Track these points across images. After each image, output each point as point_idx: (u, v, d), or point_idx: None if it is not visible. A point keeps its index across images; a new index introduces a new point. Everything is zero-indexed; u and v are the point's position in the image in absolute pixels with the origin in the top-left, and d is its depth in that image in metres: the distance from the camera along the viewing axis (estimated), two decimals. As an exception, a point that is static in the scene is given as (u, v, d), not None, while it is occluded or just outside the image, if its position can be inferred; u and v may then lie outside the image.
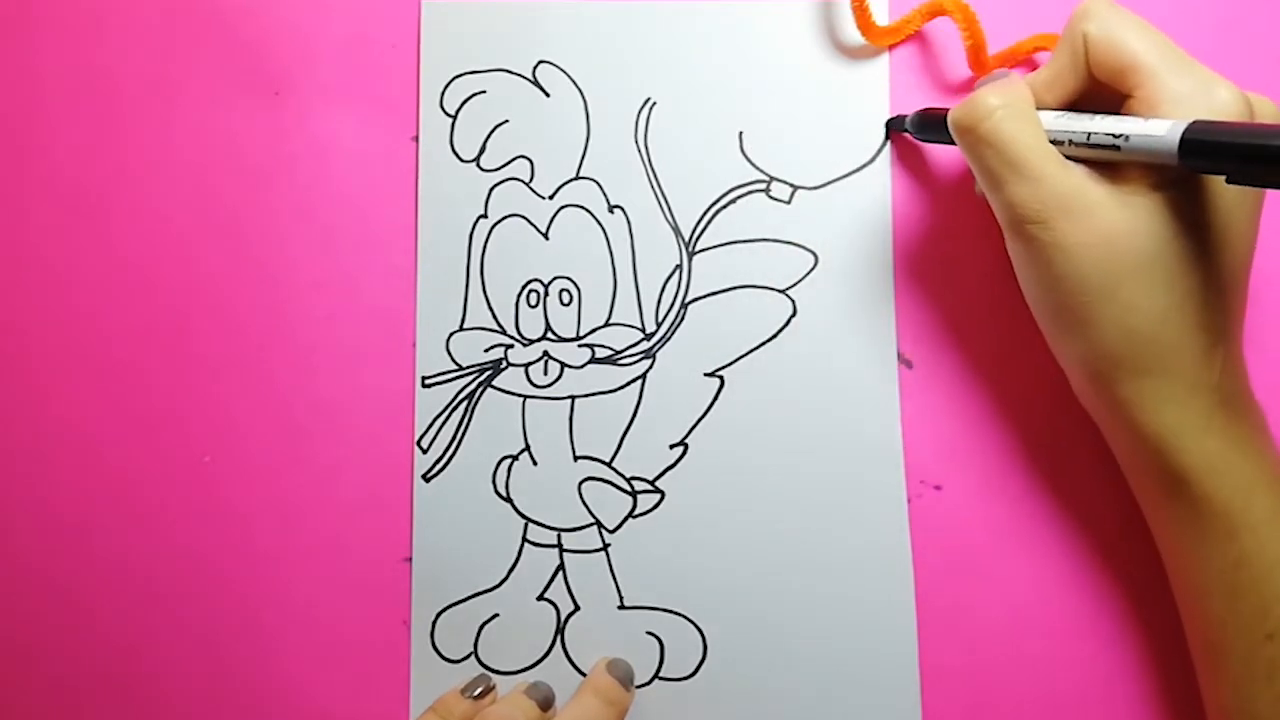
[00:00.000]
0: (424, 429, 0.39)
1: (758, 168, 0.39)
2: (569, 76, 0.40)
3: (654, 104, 0.40)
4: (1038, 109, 0.33)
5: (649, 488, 0.38)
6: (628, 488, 0.38)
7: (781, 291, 0.39)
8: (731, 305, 0.39)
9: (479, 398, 0.39)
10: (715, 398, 0.39)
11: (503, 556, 0.38)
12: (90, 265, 0.40)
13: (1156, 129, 0.29)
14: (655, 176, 0.40)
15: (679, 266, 0.39)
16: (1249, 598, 0.31)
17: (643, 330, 0.39)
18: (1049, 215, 0.31)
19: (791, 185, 0.39)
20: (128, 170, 0.40)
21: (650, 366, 0.39)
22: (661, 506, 0.38)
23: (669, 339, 0.39)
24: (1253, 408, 0.33)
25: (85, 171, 0.40)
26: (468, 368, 0.39)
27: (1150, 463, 0.32)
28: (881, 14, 0.39)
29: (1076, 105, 0.34)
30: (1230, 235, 0.31)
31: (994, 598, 0.37)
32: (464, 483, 0.38)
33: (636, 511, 0.38)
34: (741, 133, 0.39)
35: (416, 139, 0.40)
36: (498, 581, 0.38)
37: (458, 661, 0.37)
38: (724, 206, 0.39)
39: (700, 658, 0.37)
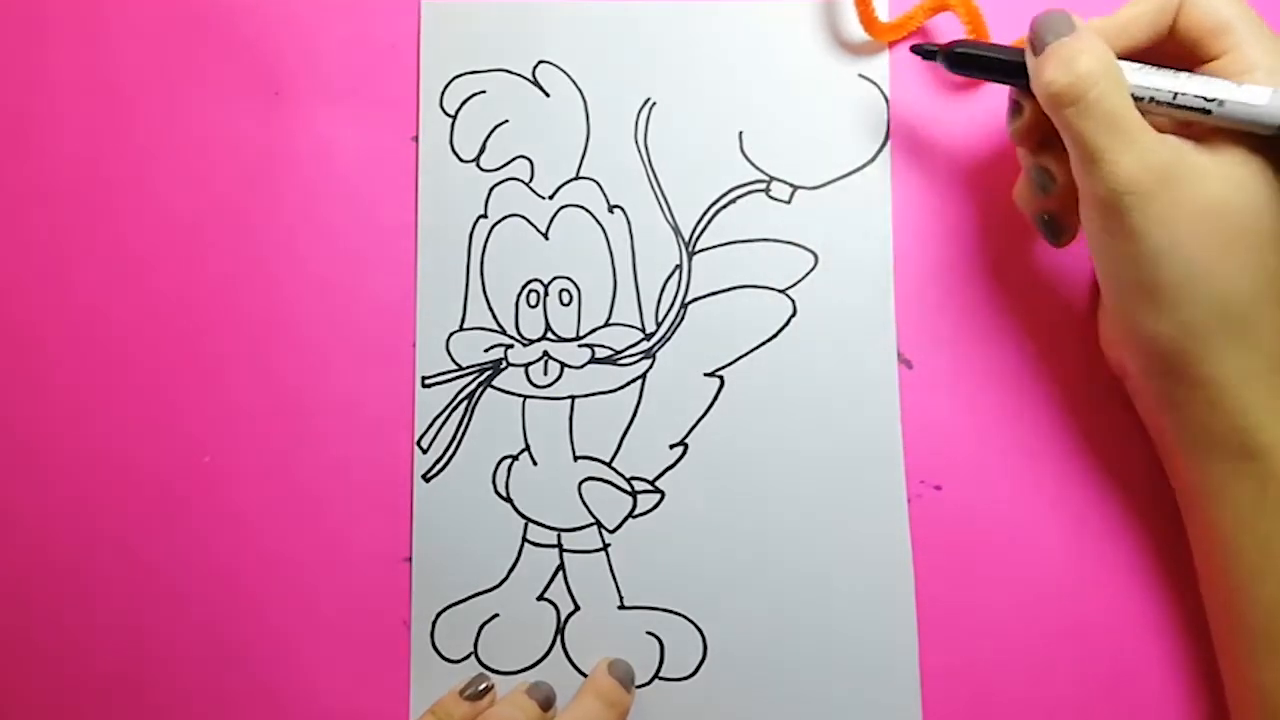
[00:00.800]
0: (424, 429, 0.39)
1: (758, 168, 0.39)
2: (569, 76, 0.40)
3: (654, 104, 0.40)
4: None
5: (649, 488, 0.38)
6: (628, 488, 0.38)
7: (781, 291, 0.39)
8: (731, 305, 0.39)
9: (479, 398, 0.39)
10: (715, 398, 0.39)
11: (503, 556, 0.38)
12: (90, 264, 0.40)
13: (1256, 96, 0.29)
14: (655, 176, 0.39)
15: (679, 266, 0.39)
16: None
17: (643, 330, 0.39)
18: (1151, 186, 0.29)
19: (791, 185, 0.39)
20: (128, 169, 0.40)
21: (650, 366, 0.39)
22: (661, 506, 0.38)
23: (669, 339, 0.39)
24: None
25: (86, 171, 0.40)
26: (468, 368, 0.39)
27: (1223, 438, 0.31)
28: (884, 9, 0.39)
29: (1141, 58, 0.32)
30: None
31: (994, 598, 0.37)
32: (464, 483, 0.38)
33: (636, 511, 0.38)
34: (741, 133, 0.39)
35: (416, 139, 0.40)
36: (498, 581, 0.38)
37: (458, 661, 0.38)
38: (724, 206, 0.39)
39: (700, 658, 0.37)
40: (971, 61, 0.35)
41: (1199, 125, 0.31)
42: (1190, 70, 0.31)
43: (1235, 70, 0.30)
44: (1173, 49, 0.32)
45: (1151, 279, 0.30)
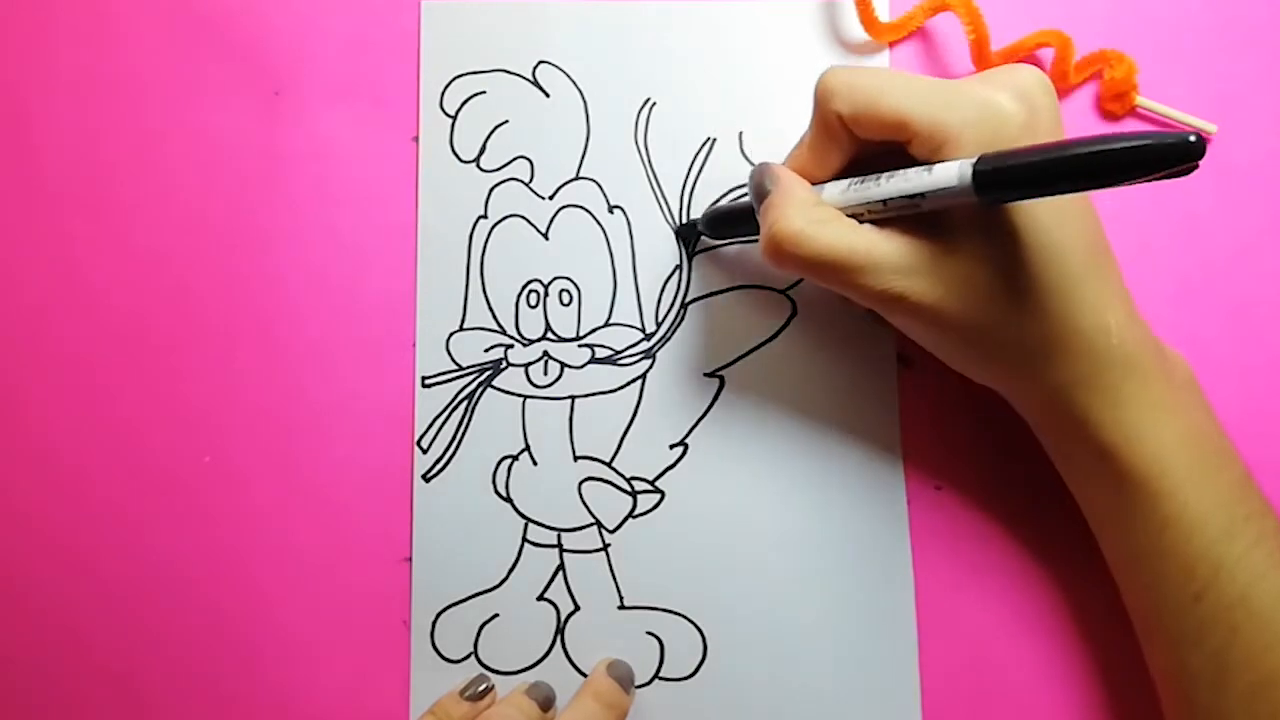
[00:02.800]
0: (424, 429, 0.39)
1: (758, 168, 0.39)
2: (569, 76, 0.40)
3: (654, 104, 0.40)
4: (815, 184, 0.33)
5: (649, 488, 0.38)
6: (628, 488, 0.38)
7: (781, 292, 0.39)
8: (731, 305, 0.39)
9: (479, 398, 0.39)
10: (715, 398, 0.39)
11: (503, 556, 0.38)
12: (90, 264, 0.40)
13: (946, 178, 0.29)
14: (655, 176, 0.39)
15: (679, 266, 0.39)
16: (1175, 560, 0.31)
17: (643, 330, 0.39)
18: (903, 288, 0.31)
19: (791, 185, 0.39)
20: (129, 169, 0.40)
21: (650, 366, 0.39)
22: (661, 506, 0.38)
23: (669, 339, 0.39)
24: (1165, 365, 0.33)
25: (87, 170, 0.40)
26: (468, 368, 0.39)
27: (1076, 443, 0.33)
28: (884, 9, 0.39)
29: (854, 165, 0.33)
30: (1067, 218, 0.31)
31: (994, 598, 0.37)
32: (464, 483, 0.38)
33: (636, 511, 0.38)
34: (741, 133, 0.39)
35: (416, 139, 0.40)
36: (498, 581, 0.38)
37: (458, 661, 0.38)
38: (724, 206, 0.39)
39: (700, 658, 0.37)
40: (724, 223, 0.37)
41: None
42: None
43: (931, 148, 0.30)
44: (880, 144, 0.32)
45: (954, 344, 0.33)
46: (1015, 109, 0.30)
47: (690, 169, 0.39)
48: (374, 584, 0.38)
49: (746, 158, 0.39)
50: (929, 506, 0.38)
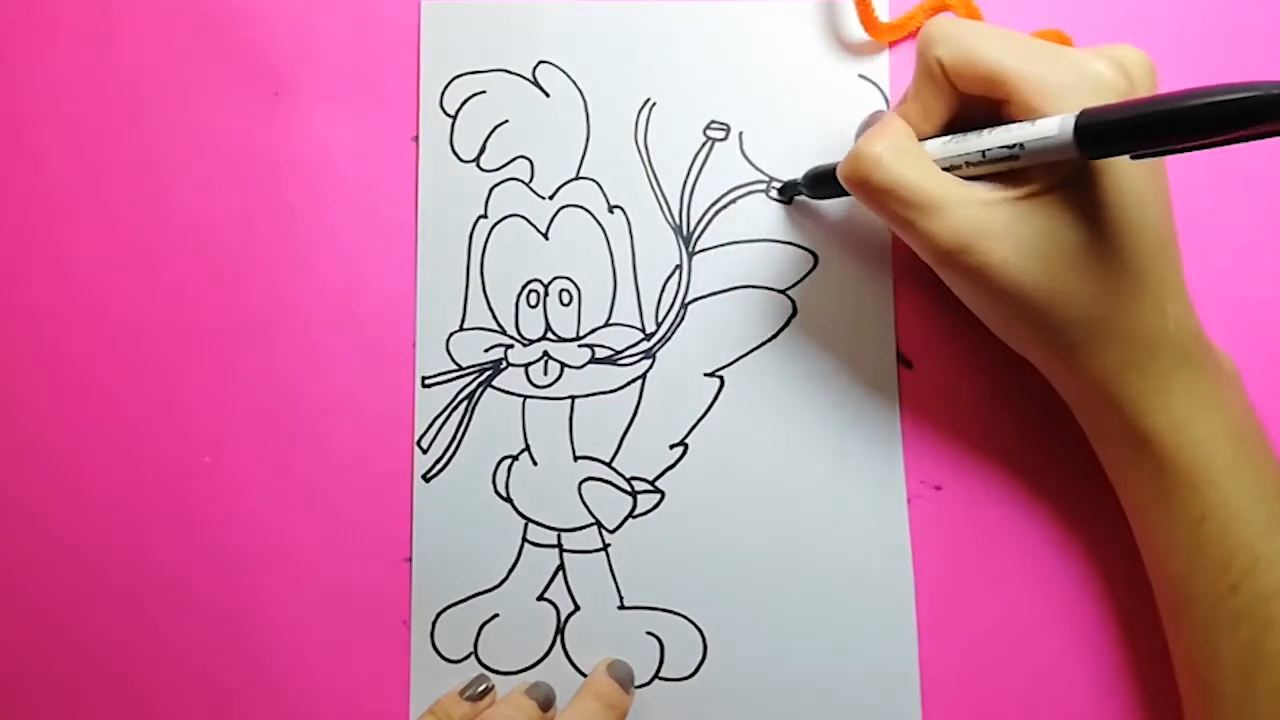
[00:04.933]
0: (424, 429, 0.39)
1: (758, 168, 0.39)
2: (569, 76, 0.40)
3: (654, 104, 0.40)
4: (921, 139, 0.33)
5: (649, 488, 0.38)
6: (628, 488, 0.38)
7: (781, 291, 0.39)
8: (731, 305, 0.39)
9: (479, 398, 0.39)
10: (715, 398, 0.39)
11: (503, 556, 0.38)
12: (90, 264, 0.40)
13: (1048, 130, 0.29)
14: (655, 176, 0.39)
15: (679, 266, 0.39)
16: (1212, 551, 0.31)
17: (643, 330, 0.39)
18: (967, 241, 0.31)
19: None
20: (129, 169, 0.40)
21: (650, 366, 0.39)
22: (661, 506, 0.38)
23: (669, 339, 0.39)
24: (1213, 360, 0.33)
25: (87, 170, 0.40)
26: (468, 368, 0.39)
27: (1118, 429, 0.33)
28: (884, 10, 0.39)
29: (957, 123, 0.33)
30: (1146, 198, 0.31)
31: (994, 598, 0.37)
32: (464, 483, 0.38)
33: (636, 511, 0.38)
34: (741, 133, 0.39)
35: (416, 139, 0.40)
36: (498, 581, 0.38)
37: (458, 661, 0.38)
38: (724, 206, 0.39)
39: (700, 658, 0.37)
40: (823, 181, 0.36)
41: (1022, 167, 0.31)
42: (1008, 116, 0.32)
43: (1028, 106, 0.30)
44: (984, 101, 0.32)
45: (1008, 313, 0.33)
46: (1114, 78, 0.30)
47: (690, 169, 0.39)
48: (374, 584, 0.38)
49: (747, 158, 0.39)
50: (929, 506, 0.38)
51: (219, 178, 0.40)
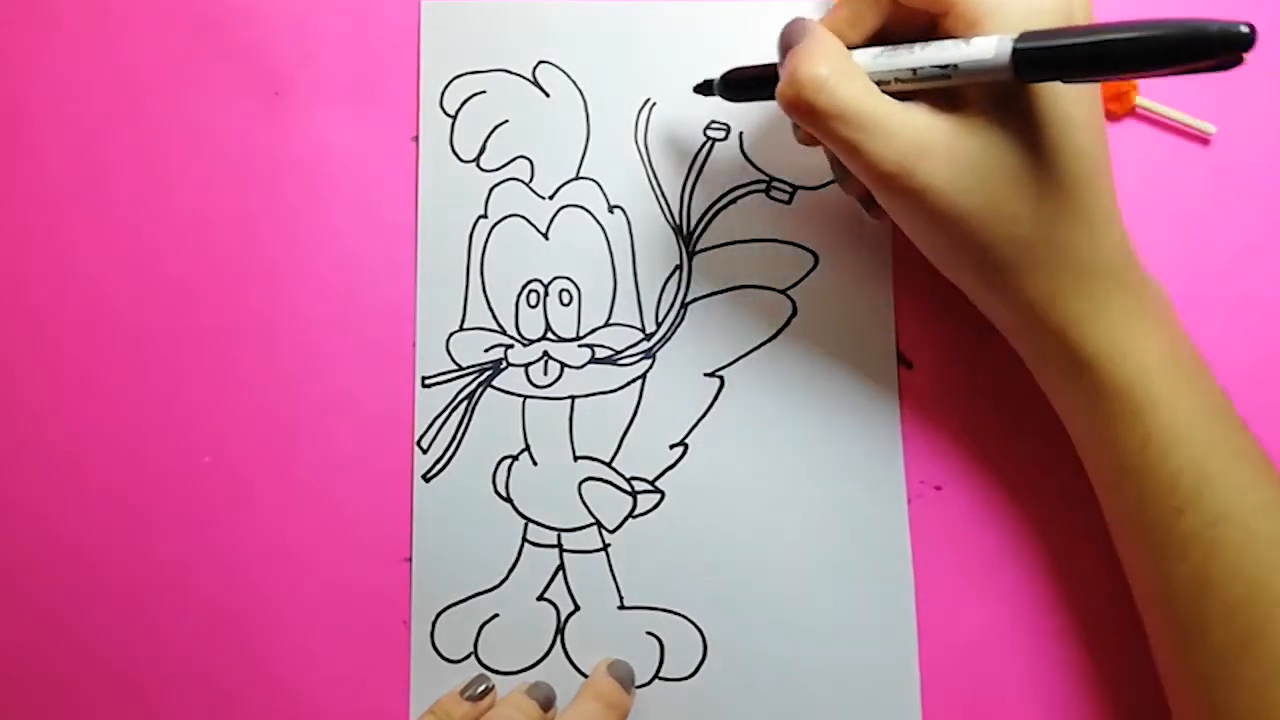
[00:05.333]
0: (424, 429, 0.39)
1: (758, 168, 0.39)
2: (569, 76, 0.40)
3: (654, 104, 0.40)
4: (847, 47, 0.32)
5: (649, 488, 0.38)
6: (628, 488, 0.38)
7: (781, 291, 0.39)
8: (731, 305, 0.39)
9: (479, 398, 0.39)
10: (715, 398, 0.39)
11: (503, 556, 0.38)
12: (91, 264, 0.40)
13: (983, 50, 0.29)
14: (655, 176, 0.39)
15: (679, 266, 0.39)
16: (1157, 475, 0.31)
17: (643, 330, 0.39)
18: (912, 163, 0.30)
19: (791, 185, 0.39)
20: (129, 169, 0.40)
21: (650, 366, 0.39)
22: (661, 506, 0.38)
23: (669, 339, 0.39)
24: (1149, 284, 0.33)
25: (87, 170, 0.40)
26: (468, 368, 0.39)
27: (1057, 354, 0.33)
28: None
29: (884, 36, 0.33)
30: (1080, 123, 0.31)
31: (994, 598, 0.37)
32: (464, 483, 0.38)
33: (636, 511, 0.38)
34: (741, 133, 0.39)
35: (416, 139, 0.40)
36: (498, 581, 0.38)
37: (458, 661, 0.38)
38: (724, 206, 0.39)
39: (700, 658, 0.37)
40: (744, 85, 0.35)
41: (952, 87, 0.31)
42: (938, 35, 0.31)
43: (967, 21, 0.30)
44: (911, 17, 0.32)
45: (947, 238, 0.32)
46: (1054, 2, 0.30)
47: (690, 169, 0.39)
48: (374, 584, 0.38)
49: (747, 157, 0.39)
50: (929, 506, 0.38)
51: (219, 178, 0.40)
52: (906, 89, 0.31)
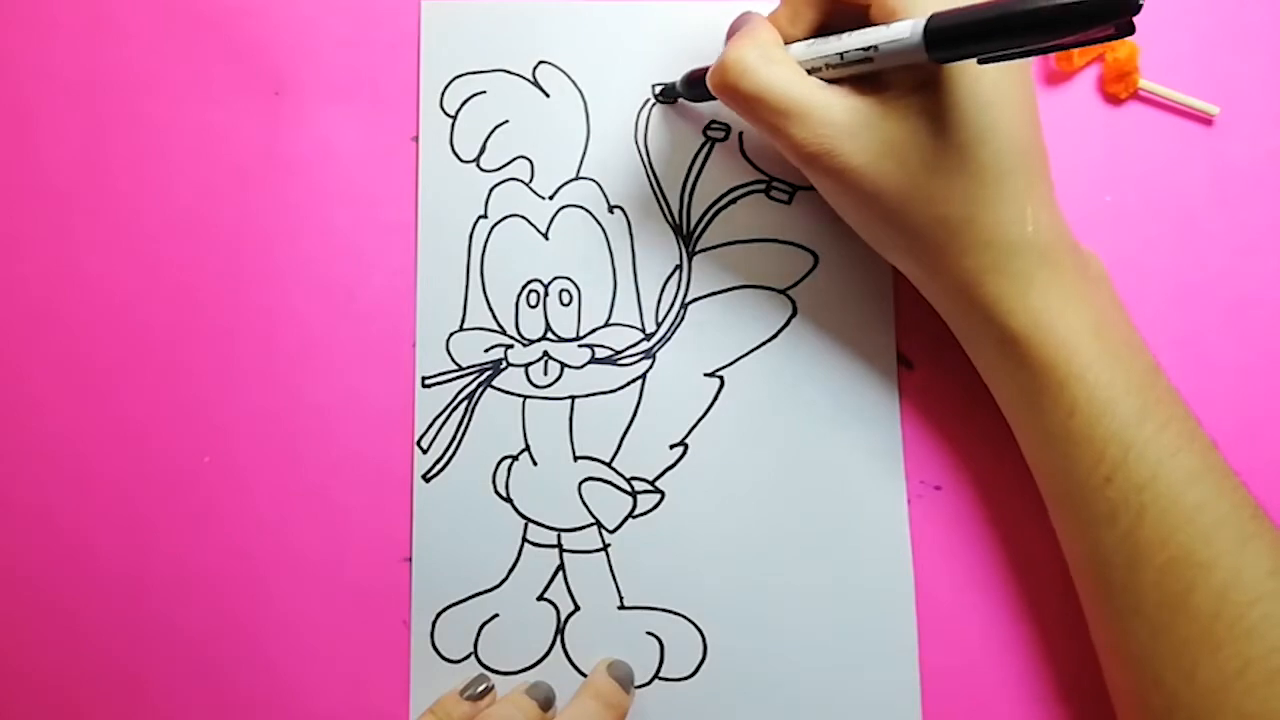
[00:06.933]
0: (424, 429, 0.39)
1: (758, 168, 0.39)
2: (569, 77, 0.40)
3: (654, 104, 0.40)
4: (786, 43, 0.34)
5: (649, 488, 0.38)
6: (628, 488, 0.38)
7: (781, 291, 0.39)
8: (731, 305, 0.39)
9: (479, 398, 0.39)
10: (715, 398, 0.39)
11: (503, 556, 0.38)
12: (90, 264, 0.40)
13: (900, 32, 0.30)
14: (655, 176, 0.39)
15: (679, 266, 0.39)
16: (1084, 444, 0.32)
17: (643, 330, 0.39)
18: (833, 144, 0.32)
19: (791, 185, 0.39)
20: (128, 169, 0.40)
21: (650, 366, 0.39)
22: (661, 506, 0.38)
23: (669, 339, 0.39)
24: (1078, 259, 0.34)
25: (87, 170, 0.40)
26: (468, 368, 0.39)
27: (985, 331, 0.34)
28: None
29: (825, 30, 0.34)
30: (1002, 104, 0.32)
31: (994, 597, 0.37)
32: (464, 483, 0.38)
33: (636, 511, 0.38)
34: (741, 133, 0.39)
35: (416, 139, 0.40)
36: (498, 581, 0.38)
37: (458, 661, 0.38)
38: (724, 206, 0.39)
39: (700, 658, 0.37)
40: (698, 83, 0.36)
41: (879, 71, 0.32)
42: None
43: (888, 9, 0.32)
44: (851, 9, 0.33)
45: (874, 215, 0.33)
46: None
47: (690, 169, 0.39)
48: (374, 584, 0.38)
49: (746, 157, 0.39)
50: (929, 506, 0.38)
51: (219, 178, 0.40)
52: (837, 75, 0.33)
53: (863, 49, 0.31)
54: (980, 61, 0.29)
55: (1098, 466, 0.31)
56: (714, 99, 0.36)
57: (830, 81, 0.33)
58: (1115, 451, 0.31)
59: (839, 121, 0.32)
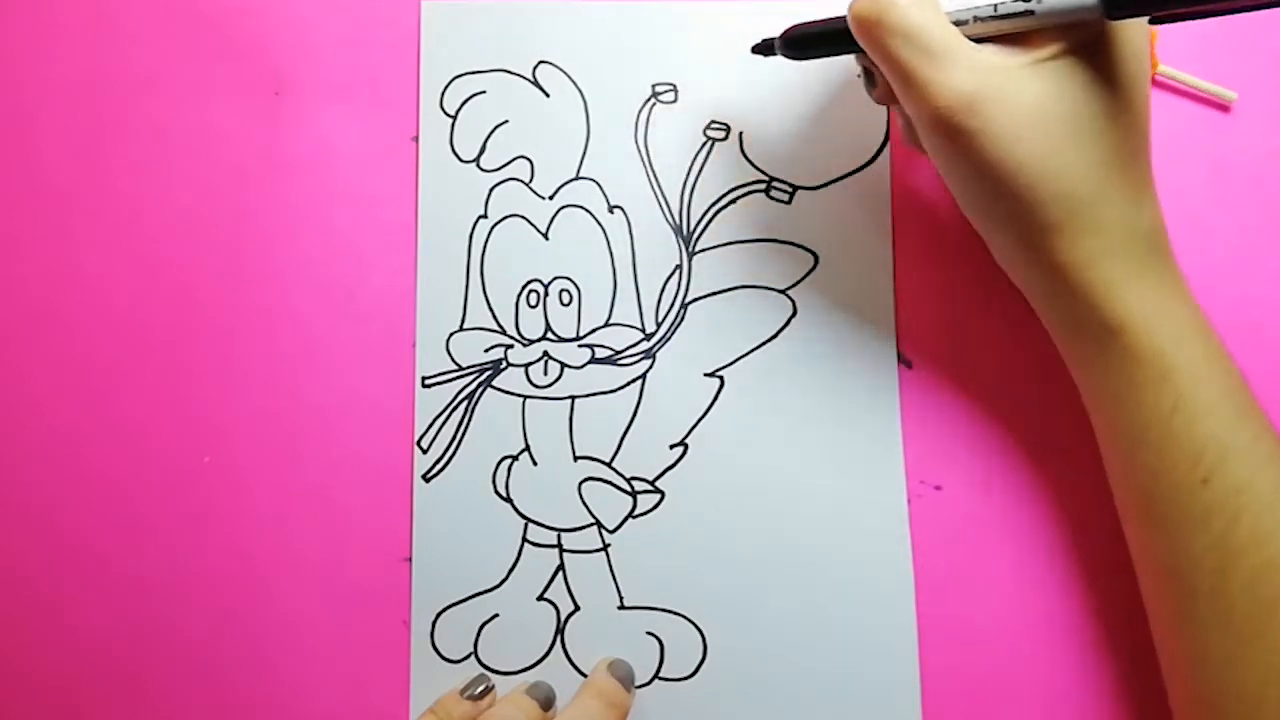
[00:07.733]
0: (424, 429, 0.39)
1: (758, 168, 0.39)
2: (569, 76, 0.40)
3: (654, 104, 0.40)
4: None
5: (649, 488, 0.38)
6: (628, 488, 0.38)
7: (781, 291, 0.39)
8: (731, 305, 0.39)
9: (479, 398, 0.39)
10: (715, 398, 0.39)
11: (503, 556, 0.38)
12: (90, 264, 0.40)
13: None
14: (655, 176, 0.39)
15: (679, 266, 0.39)
16: (1183, 443, 0.31)
17: (643, 330, 0.39)
18: (970, 100, 0.30)
19: (791, 185, 0.39)
20: (128, 170, 0.40)
21: (650, 366, 0.39)
22: (661, 506, 0.38)
23: (669, 339, 0.39)
24: (1174, 257, 0.33)
25: (87, 170, 0.40)
26: (468, 368, 0.39)
27: (1086, 317, 0.32)
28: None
29: None
30: (1137, 82, 0.31)
31: (994, 598, 0.37)
32: (464, 483, 0.38)
33: (636, 511, 0.38)
34: (742, 133, 0.39)
35: (416, 139, 0.40)
36: (498, 581, 0.38)
37: (458, 661, 0.38)
38: (724, 206, 0.39)
39: (700, 658, 0.37)
40: (810, 42, 0.35)
41: (1026, 30, 0.31)
42: None
43: None
44: None
45: (995, 187, 0.31)
46: None
47: (690, 169, 0.39)
48: (374, 584, 0.38)
49: (747, 157, 0.39)
50: (929, 506, 0.38)
51: (219, 178, 0.40)
52: (987, 30, 0.31)
53: (1024, 1, 0.29)
54: (1152, 21, 0.28)
55: (1196, 467, 0.30)
56: (819, 57, 0.34)
57: (974, 39, 0.31)
58: (1215, 452, 0.30)
59: (983, 78, 0.30)
